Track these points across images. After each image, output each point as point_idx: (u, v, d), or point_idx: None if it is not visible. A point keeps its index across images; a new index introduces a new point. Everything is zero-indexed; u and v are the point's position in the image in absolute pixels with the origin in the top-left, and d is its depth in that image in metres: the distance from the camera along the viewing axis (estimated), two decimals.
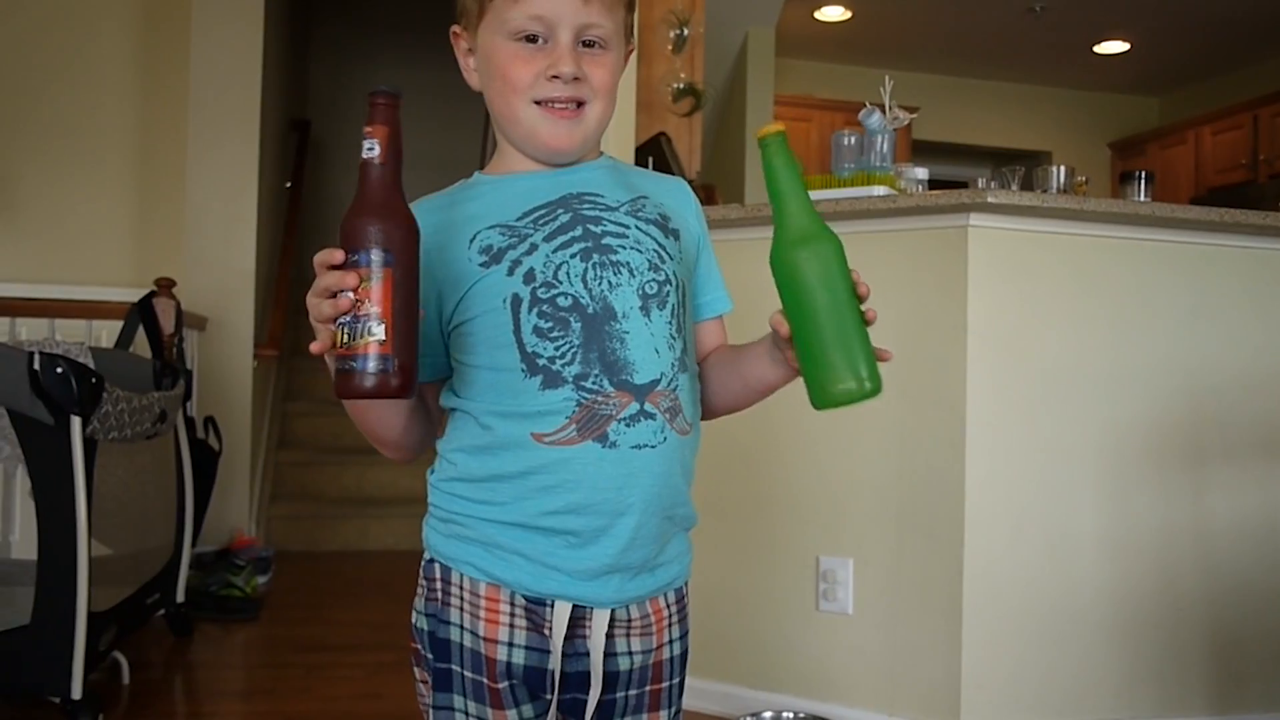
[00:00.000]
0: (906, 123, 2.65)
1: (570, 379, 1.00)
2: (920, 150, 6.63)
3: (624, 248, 1.05)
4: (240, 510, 4.40)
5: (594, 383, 1.01)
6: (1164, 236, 2.61)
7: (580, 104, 1.07)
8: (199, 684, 3.09)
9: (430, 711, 1.08)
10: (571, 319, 1.01)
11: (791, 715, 2.51)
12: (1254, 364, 2.69)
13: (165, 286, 3.69)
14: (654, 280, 1.05)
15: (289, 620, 3.67)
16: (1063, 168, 2.80)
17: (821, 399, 0.98)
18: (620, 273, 1.04)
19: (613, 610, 1.06)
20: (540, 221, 1.05)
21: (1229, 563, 2.64)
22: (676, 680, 1.15)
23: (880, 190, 2.60)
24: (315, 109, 7.07)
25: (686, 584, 1.18)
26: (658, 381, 1.03)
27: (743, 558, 2.73)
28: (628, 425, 1.02)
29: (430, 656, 1.08)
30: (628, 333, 1.02)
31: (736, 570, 2.73)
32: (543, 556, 1.03)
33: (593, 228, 1.05)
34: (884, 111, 2.66)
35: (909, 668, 2.51)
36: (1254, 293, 2.70)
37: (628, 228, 1.07)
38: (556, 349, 1.01)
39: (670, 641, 1.13)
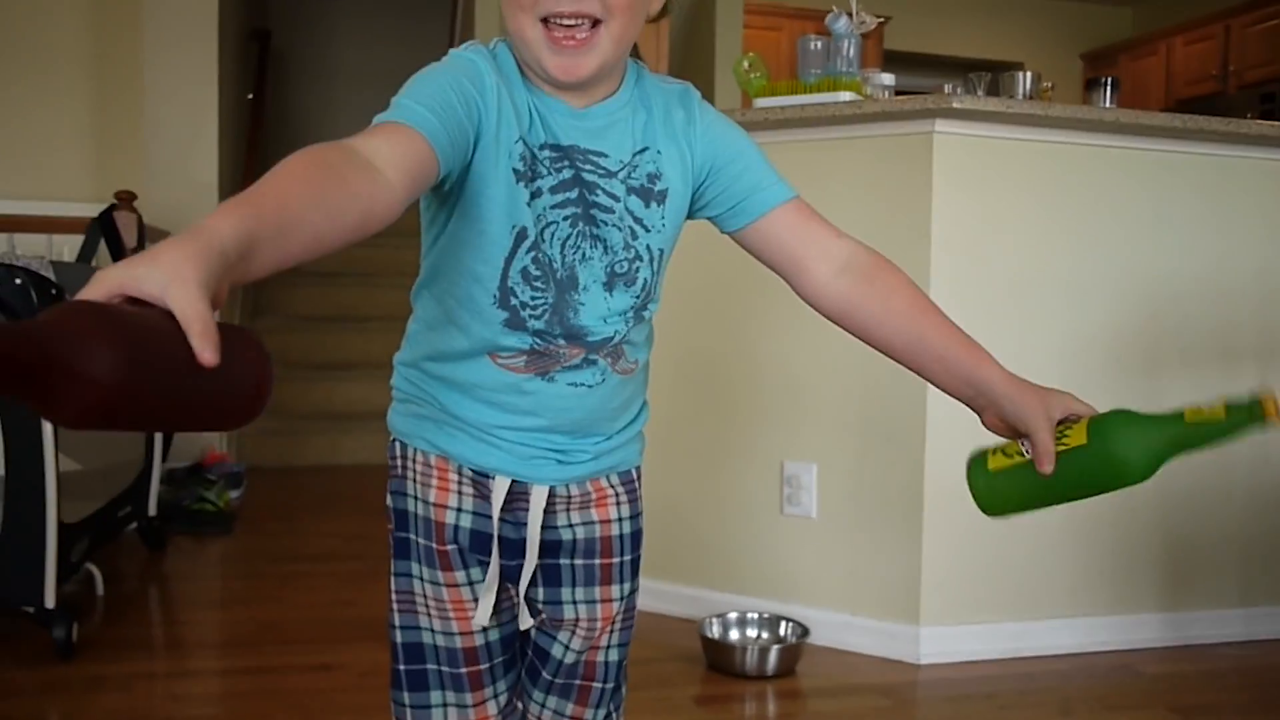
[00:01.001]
0: (873, 27, 2.63)
1: (530, 330, 1.03)
2: (893, 60, 6.56)
3: (607, 223, 1.03)
4: None
5: (550, 340, 1.04)
6: (1128, 144, 2.62)
7: (596, 22, 0.96)
8: (173, 594, 3.12)
9: (393, 579, 1.13)
10: (552, 279, 1.02)
11: (755, 616, 2.57)
12: (1213, 272, 2.72)
13: (126, 200, 3.63)
14: (625, 259, 1.05)
15: (262, 533, 3.70)
16: (1029, 74, 2.78)
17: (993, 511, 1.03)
18: (596, 247, 1.03)
19: (552, 487, 1.11)
20: (552, 165, 1.01)
21: (1180, 466, 2.68)
22: (628, 558, 1.18)
23: (846, 96, 2.58)
24: (276, 18, 6.89)
25: (637, 469, 1.21)
26: (610, 339, 1.06)
27: (709, 464, 2.76)
28: (571, 369, 1.06)
29: (392, 526, 1.13)
30: (584, 304, 1.04)
31: (703, 476, 2.77)
32: (485, 436, 1.09)
33: (588, 194, 1.03)
34: (850, 16, 2.63)
35: (870, 569, 2.57)
36: (1215, 202, 2.72)
37: (617, 199, 1.04)
38: (532, 298, 1.02)
39: (619, 519, 1.17)
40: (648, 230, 1.06)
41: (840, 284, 1.09)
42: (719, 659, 2.43)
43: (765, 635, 2.54)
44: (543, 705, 1.17)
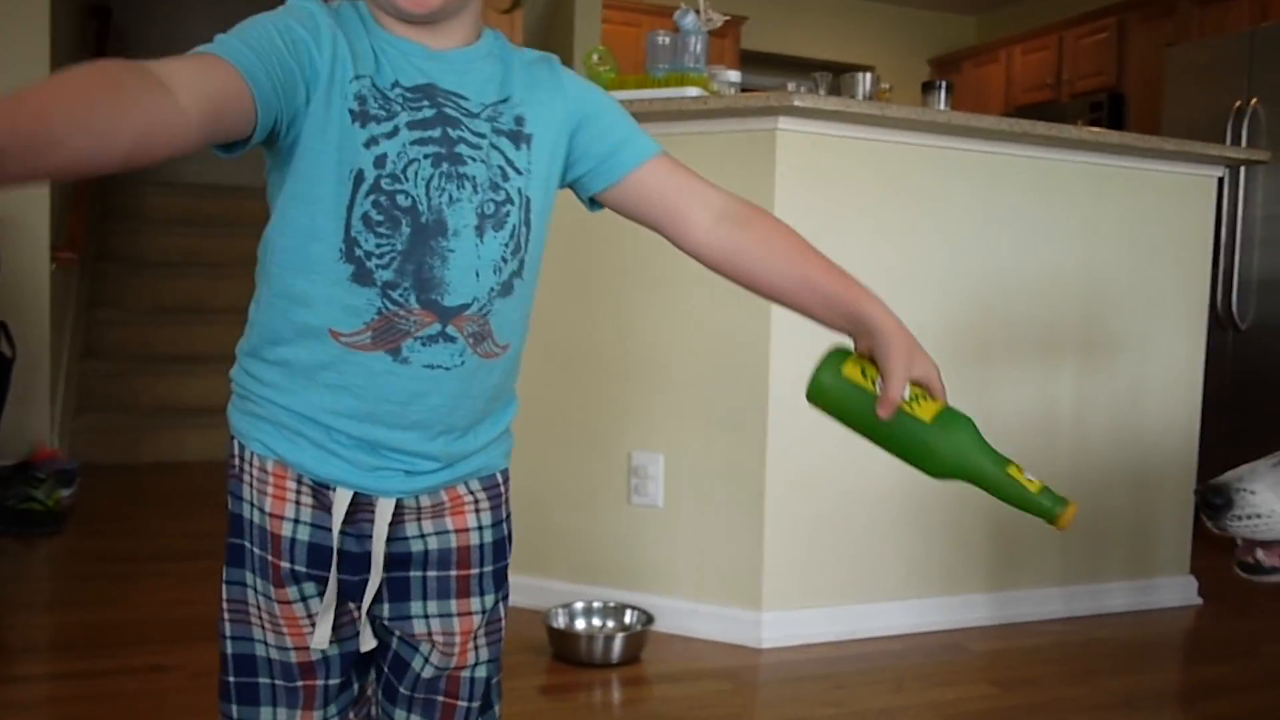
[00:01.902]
0: (719, 24, 2.68)
1: (379, 283, 0.96)
2: (750, 60, 6.68)
3: (474, 159, 0.98)
4: (40, 421, 4.19)
5: (401, 295, 0.96)
6: (961, 145, 2.74)
7: None
8: None
9: (225, 586, 1.06)
10: (404, 221, 0.95)
11: (601, 605, 2.59)
12: (1039, 270, 2.87)
13: None
14: (492, 200, 0.99)
15: (97, 533, 3.54)
16: (869, 76, 2.88)
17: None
18: (464, 186, 0.98)
19: (399, 499, 1.04)
20: (408, 103, 0.96)
21: (1008, 453, 2.84)
22: (489, 568, 1.12)
23: (693, 91, 2.63)
24: None
25: (502, 473, 1.16)
26: (467, 306, 0.99)
27: (557, 455, 2.77)
28: (424, 344, 0.98)
29: (227, 529, 1.07)
30: (452, 251, 0.97)
31: (551, 467, 2.77)
32: (326, 443, 1.01)
33: (451, 131, 0.98)
34: (698, 13, 2.67)
35: (715, 557, 2.63)
36: (1041, 202, 2.86)
37: (483, 137, 0.99)
38: (378, 246, 0.95)
39: (478, 528, 1.10)
40: (518, 173, 1.02)
41: (722, 231, 1.09)
42: (564, 649, 2.44)
43: (611, 624, 2.56)
44: None
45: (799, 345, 2.55)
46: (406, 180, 0.95)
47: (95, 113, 0.69)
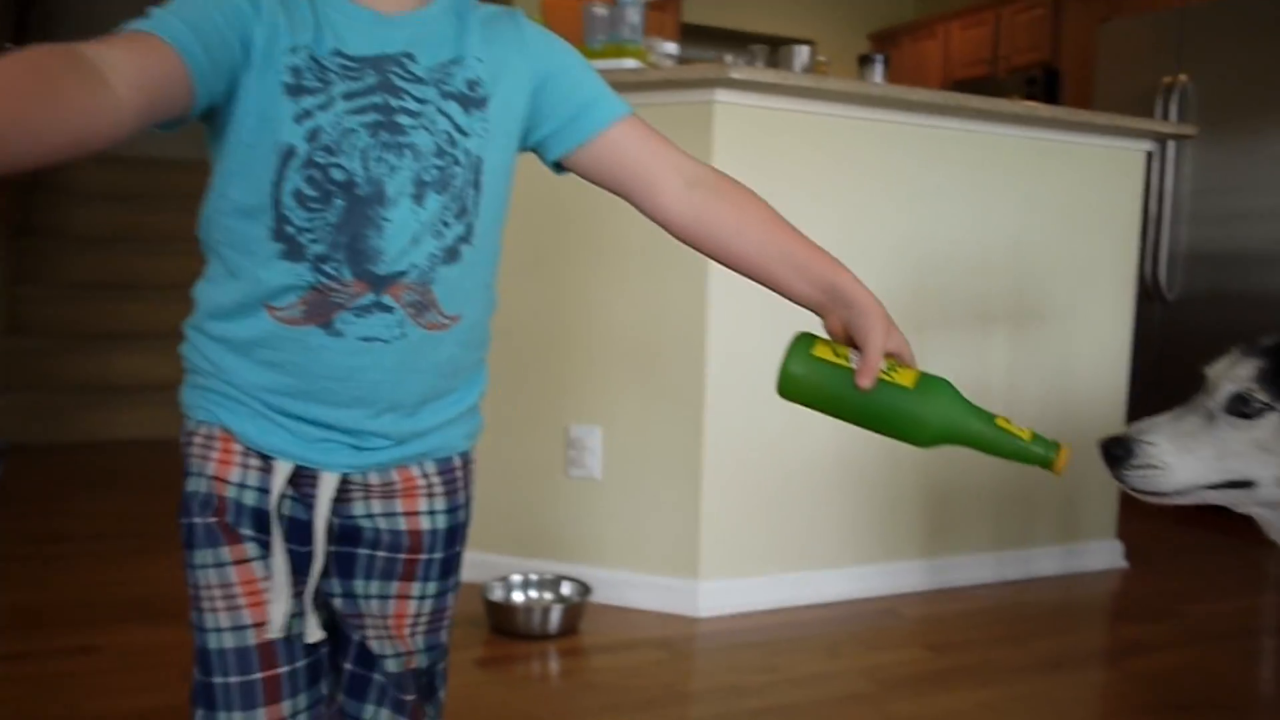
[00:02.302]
0: None
1: (310, 257, 0.92)
2: (691, 34, 6.67)
3: (415, 128, 0.94)
4: None
5: (333, 268, 0.93)
6: (897, 119, 2.75)
7: None
8: None
9: (187, 573, 1.02)
10: (337, 196, 0.92)
11: (539, 577, 2.59)
12: (972, 242, 2.90)
13: None
14: (436, 165, 0.95)
15: (22, 514, 3.46)
16: (807, 49, 2.89)
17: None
18: (403, 155, 0.93)
19: (345, 474, 1.01)
20: (347, 72, 0.92)
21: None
22: (438, 555, 1.07)
23: (630, 63, 2.62)
24: None
25: (462, 455, 1.12)
26: (404, 274, 0.94)
27: (494, 429, 2.74)
28: (357, 315, 0.94)
29: (178, 512, 1.03)
30: (389, 220, 0.93)
31: (488, 441, 2.73)
32: (268, 412, 0.99)
33: (392, 100, 0.94)
34: None
35: (653, 527, 2.64)
36: (976, 175, 2.90)
37: (425, 103, 0.95)
38: (309, 221, 0.92)
39: (430, 513, 1.06)
40: (466, 135, 0.96)
41: (694, 199, 1.05)
42: (502, 621, 2.44)
43: (548, 596, 2.57)
44: None
45: (735, 316, 2.57)
46: (342, 153, 0.92)
47: (30, 111, 0.66)
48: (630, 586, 2.63)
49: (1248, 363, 1.02)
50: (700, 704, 2.18)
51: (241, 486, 0.99)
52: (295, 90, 0.91)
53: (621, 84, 2.56)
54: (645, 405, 2.63)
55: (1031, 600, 2.88)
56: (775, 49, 2.99)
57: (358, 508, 1.03)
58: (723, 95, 2.52)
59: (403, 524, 1.05)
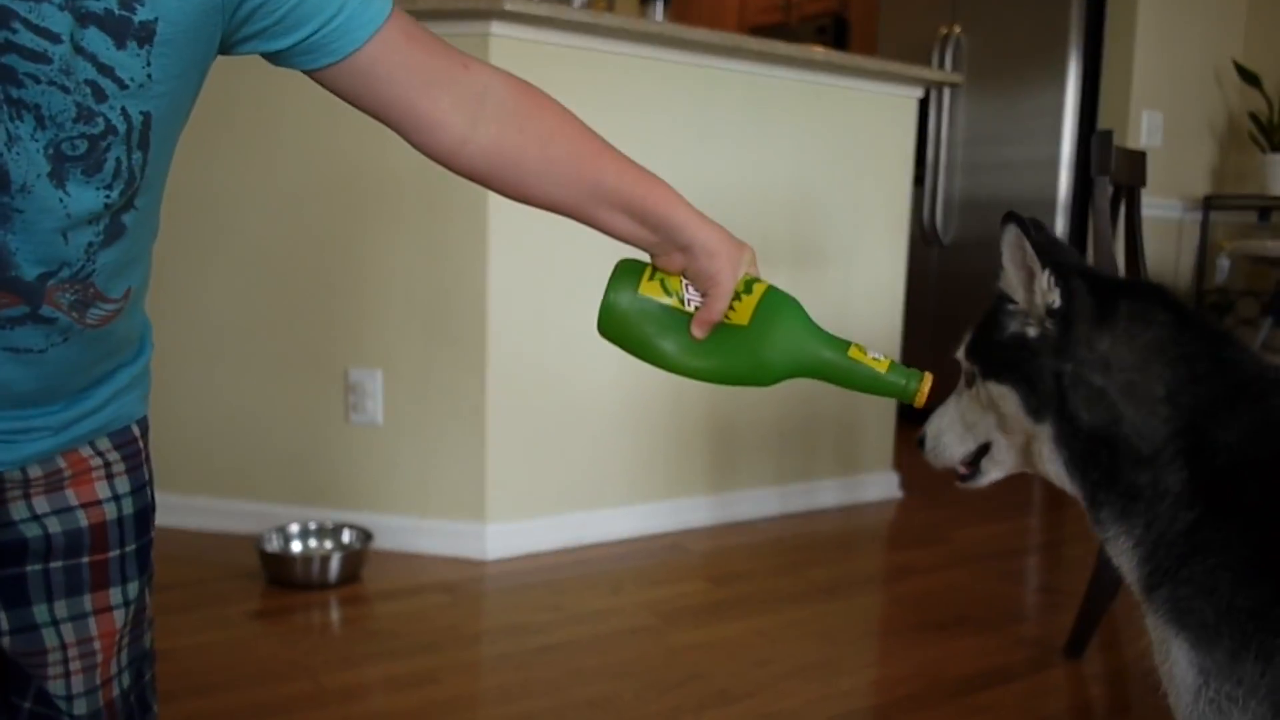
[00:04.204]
0: None
1: None
2: None
3: (39, 79, 0.65)
4: None
5: None
6: (677, 58, 2.76)
7: None
8: None
9: None
10: None
11: (317, 526, 2.51)
12: (751, 183, 2.95)
13: None
14: (81, 135, 0.68)
15: None
16: None
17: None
18: (23, 120, 0.66)
19: None
20: None
21: None
22: (131, 548, 0.89)
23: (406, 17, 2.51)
24: None
25: (139, 422, 0.91)
26: (55, 273, 0.72)
27: (270, 374, 2.65)
28: (9, 328, 0.72)
29: None
30: (22, 211, 0.68)
31: (264, 388, 2.65)
32: None
33: None
34: None
35: (438, 472, 2.60)
36: (754, 117, 2.94)
37: (56, 41, 0.64)
38: None
39: (113, 498, 0.87)
40: (123, 86, 0.68)
41: (482, 135, 0.84)
42: (278, 572, 2.36)
43: (329, 544, 2.49)
44: None
45: (518, 253, 2.53)
46: None
47: None
48: (417, 533, 2.58)
49: (965, 338, 1.11)
50: (483, 644, 2.17)
51: None
52: None
53: None
54: (427, 347, 2.57)
55: (812, 531, 2.99)
56: None
57: (18, 510, 0.82)
58: (498, 28, 2.46)
59: (81, 519, 0.85)
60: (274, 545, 2.43)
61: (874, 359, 0.88)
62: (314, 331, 2.62)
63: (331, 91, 0.82)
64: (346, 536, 2.50)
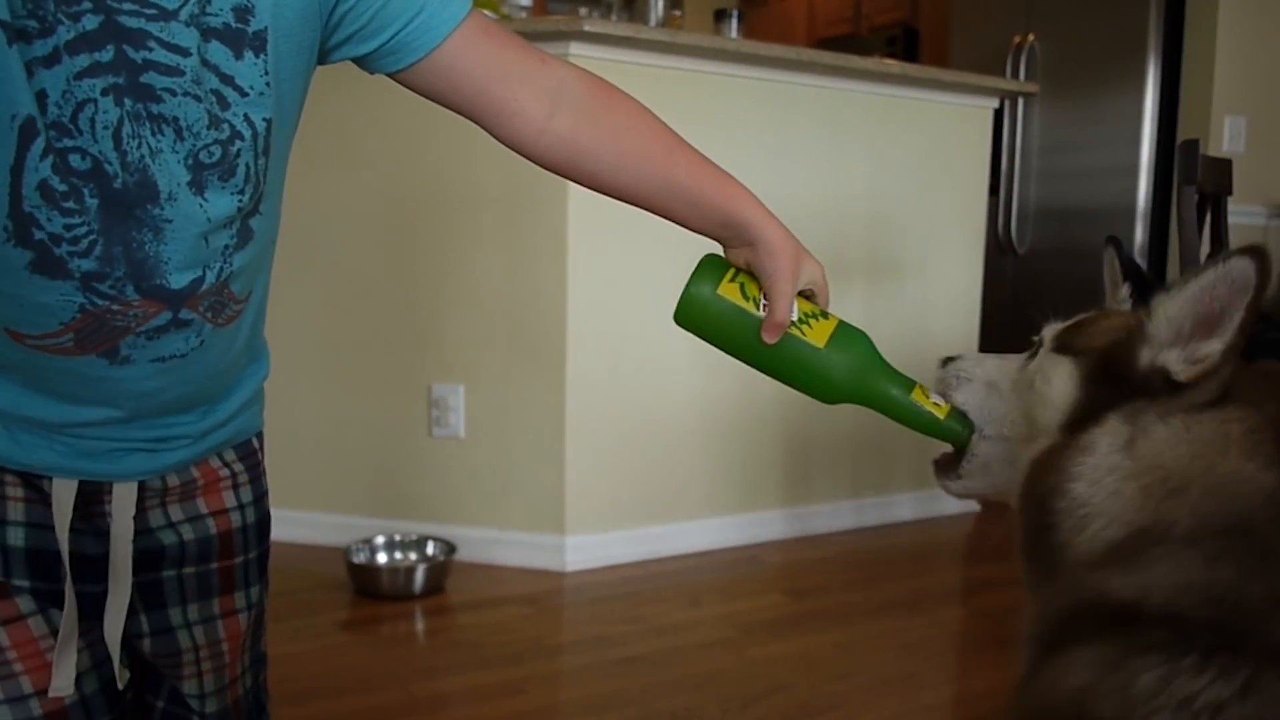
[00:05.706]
0: None
1: (77, 275, 0.71)
2: None
3: (175, 92, 0.69)
4: None
5: (111, 288, 0.72)
6: (752, 74, 2.78)
7: None
8: None
9: None
10: (86, 191, 0.69)
11: (402, 538, 2.57)
12: (827, 196, 2.96)
13: None
14: (215, 142, 0.72)
15: None
16: (661, 2, 2.89)
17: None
18: (164, 134, 0.70)
19: (142, 481, 0.85)
20: (64, 10, 0.65)
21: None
22: (254, 554, 0.95)
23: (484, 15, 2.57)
24: None
25: (258, 436, 0.97)
26: (200, 280, 0.76)
27: (356, 390, 2.72)
28: (150, 339, 0.76)
29: None
30: (170, 221, 0.72)
31: (350, 403, 2.72)
32: (29, 428, 0.80)
33: (132, 53, 0.67)
34: None
35: (518, 485, 2.64)
36: (830, 131, 2.95)
37: (186, 55, 0.69)
38: (66, 227, 0.69)
39: (238, 507, 0.93)
40: (243, 94, 0.72)
41: (560, 126, 0.87)
42: (365, 583, 2.42)
43: (413, 556, 2.55)
44: None
45: (595, 272, 2.57)
46: (82, 132, 0.67)
47: None
48: (497, 544, 2.63)
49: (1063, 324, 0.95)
50: (566, 655, 2.20)
51: (4, 524, 0.81)
52: (19, 35, 0.64)
53: None
54: (507, 362, 2.62)
55: (888, 544, 2.98)
56: (631, 1, 2.98)
57: (155, 517, 0.87)
58: (578, 49, 2.51)
59: (211, 526, 0.91)
60: (361, 557, 2.49)
61: (934, 403, 0.90)
62: (399, 347, 2.68)
63: (416, 91, 0.87)
64: (431, 548, 2.55)
